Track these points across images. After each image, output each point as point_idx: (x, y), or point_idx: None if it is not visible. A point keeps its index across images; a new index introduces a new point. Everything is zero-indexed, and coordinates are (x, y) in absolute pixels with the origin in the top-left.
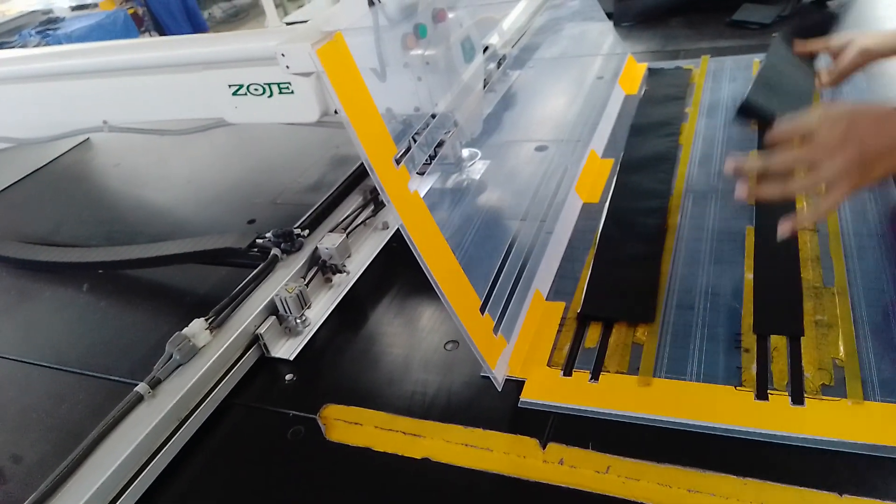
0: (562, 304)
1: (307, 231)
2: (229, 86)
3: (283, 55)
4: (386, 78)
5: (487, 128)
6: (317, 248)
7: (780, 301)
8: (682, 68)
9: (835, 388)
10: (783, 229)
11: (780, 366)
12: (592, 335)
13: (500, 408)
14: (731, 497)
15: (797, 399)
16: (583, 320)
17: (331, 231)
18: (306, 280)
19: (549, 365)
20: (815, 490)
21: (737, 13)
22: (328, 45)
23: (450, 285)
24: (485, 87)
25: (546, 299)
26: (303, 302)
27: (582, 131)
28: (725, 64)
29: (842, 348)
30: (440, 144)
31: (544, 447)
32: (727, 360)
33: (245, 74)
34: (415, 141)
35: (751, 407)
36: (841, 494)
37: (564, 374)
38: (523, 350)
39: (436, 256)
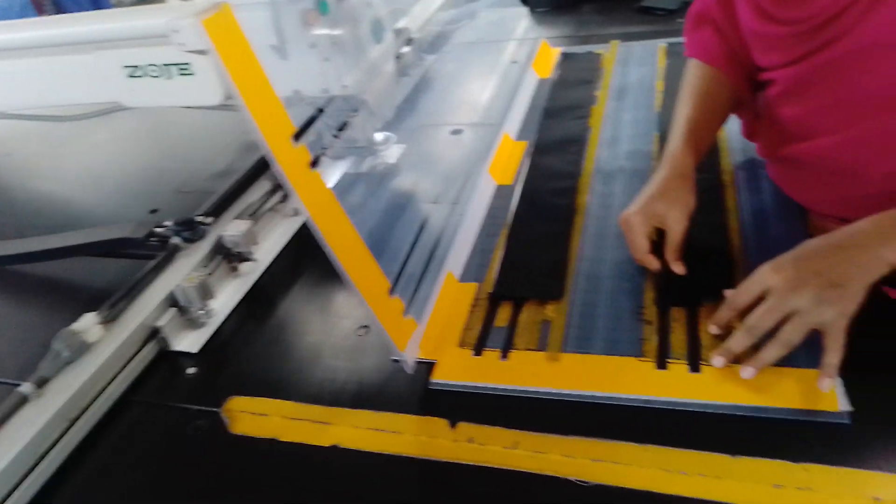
0: (474, 286)
1: (211, 219)
2: (124, 67)
3: (175, 32)
4: (287, 56)
5: (403, 112)
6: (221, 236)
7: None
8: (594, 53)
9: None
10: (745, 374)
11: (679, 336)
12: (503, 314)
13: (410, 390)
14: (631, 464)
15: (694, 367)
16: (494, 300)
17: (236, 218)
18: (209, 270)
19: (460, 346)
20: (709, 452)
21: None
22: (215, 17)
23: (356, 268)
24: (400, 71)
25: (459, 281)
26: (206, 292)
27: (496, 115)
28: (634, 49)
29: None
30: (351, 127)
31: (454, 426)
32: (631, 332)
33: (141, 55)
34: (327, 126)
35: (652, 376)
36: (733, 455)
37: (475, 354)
38: (435, 332)
39: (340, 238)
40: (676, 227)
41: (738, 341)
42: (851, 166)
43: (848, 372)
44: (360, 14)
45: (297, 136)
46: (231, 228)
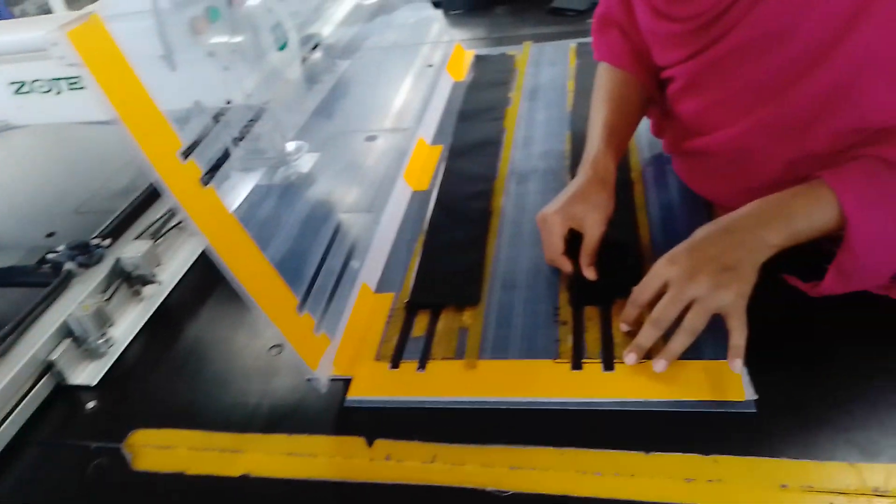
0: (391, 296)
1: (108, 240)
2: (10, 84)
3: (54, 45)
4: (176, 66)
5: (317, 119)
6: (119, 258)
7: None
8: (507, 54)
9: None
10: (658, 367)
11: (593, 335)
12: (420, 324)
13: (326, 410)
14: (549, 468)
15: (608, 365)
16: (411, 309)
17: (137, 238)
18: (107, 295)
19: (376, 359)
20: (624, 451)
21: (555, 1)
22: (81, 28)
23: (259, 287)
24: (312, 77)
25: (375, 291)
26: (103, 320)
27: (411, 119)
28: (546, 49)
29: (646, 312)
30: (259, 138)
31: (371, 444)
32: (546, 334)
33: (25, 70)
34: (231, 138)
35: (568, 378)
36: (647, 452)
37: (392, 367)
38: (350, 346)
39: (240, 257)
40: (593, 232)
41: (646, 336)
42: (749, 157)
43: (752, 360)
44: (261, 20)
45: (187, 152)
46: (130, 250)
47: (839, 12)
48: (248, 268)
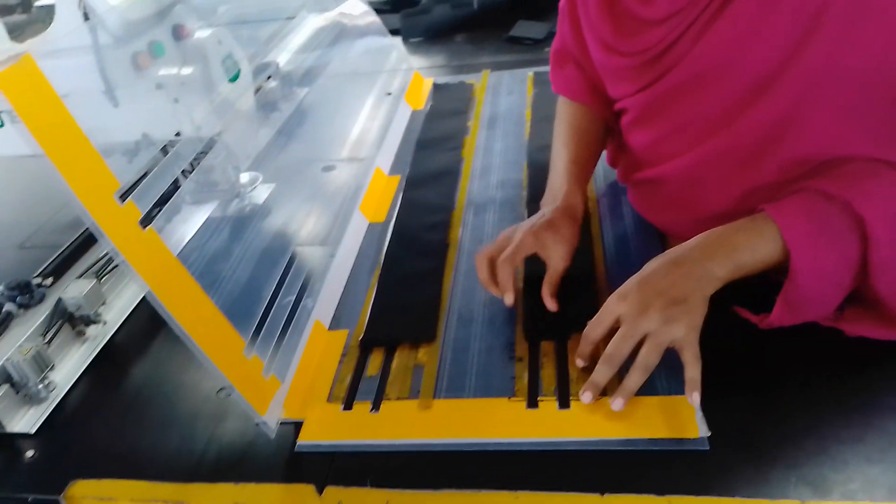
0: (345, 333)
1: (50, 279)
2: None
3: None
4: (118, 102)
5: (273, 149)
6: (61, 298)
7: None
8: (465, 83)
9: None
10: (615, 406)
11: (549, 371)
12: (375, 362)
13: (276, 456)
14: None
15: (564, 402)
16: (365, 347)
17: (80, 277)
18: (48, 337)
19: (329, 400)
20: (580, 494)
21: (513, 29)
22: (12, 70)
23: (202, 330)
24: (268, 106)
25: (328, 329)
26: (43, 363)
27: (369, 149)
28: (504, 78)
29: (601, 347)
30: (210, 170)
31: (321, 492)
32: (502, 371)
33: None
34: (181, 171)
35: (523, 417)
36: (602, 494)
37: (345, 408)
38: (301, 388)
39: (182, 301)
40: (558, 265)
41: (601, 374)
42: (700, 187)
43: (704, 395)
44: (211, 52)
45: (125, 193)
46: (73, 289)
47: (779, 46)
48: (192, 312)
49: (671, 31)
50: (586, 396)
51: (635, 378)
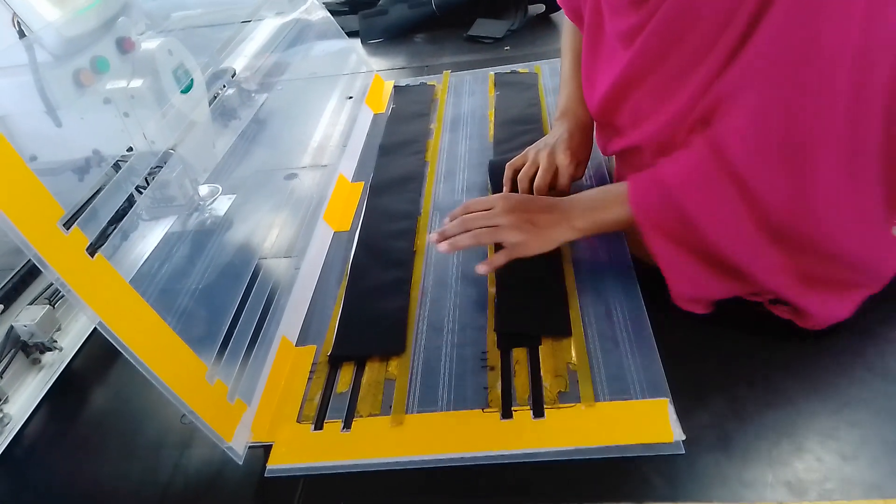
0: (313, 348)
1: (1, 306)
2: None
3: None
4: (61, 123)
5: (233, 159)
6: (13, 326)
7: (519, 312)
8: (427, 84)
9: (570, 394)
10: (481, 269)
11: (522, 379)
12: (345, 377)
13: (245, 481)
14: None
15: (538, 412)
16: (334, 363)
17: (32, 303)
18: (1, 368)
19: (299, 420)
20: None
21: (472, 28)
22: None
23: (160, 359)
24: (227, 114)
25: (295, 345)
26: None
27: (331, 155)
28: (465, 78)
29: (574, 353)
30: (167, 185)
31: None
32: (475, 380)
33: None
34: (136, 186)
35: (497, 428)
36: (581, 503)
37: (315, 429)
38: (269, 409)
39: (136, 330)
40: (566, 173)
41: (452, 227)
42: (671, 151)
43: (677, 398)
44: (161, 63)
45: (70, 220)
46: (25, 316)
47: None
48: (148, 340)
49: None
50: (433, 237)
51: (464, 239)
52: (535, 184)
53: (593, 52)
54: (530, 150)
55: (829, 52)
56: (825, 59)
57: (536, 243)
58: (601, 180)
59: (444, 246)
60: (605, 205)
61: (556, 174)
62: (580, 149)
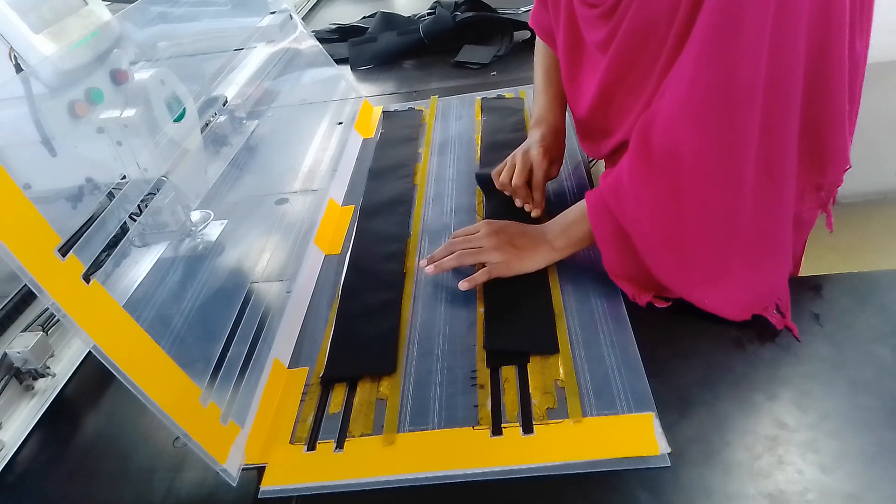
0: (305, 370)
1: None
2: None
3: None
4: (56, 153)
5: (224, 184)
6: (6, 353)
7: (507, 331)
8: (415, 109)
9: (558, 410)
10: (463, 286)
11: (511, 396)
12: (337, 399)
13: (239, 503)
14: None
15: (527, 428)
16: (326, 384)
17: (25, 330)
18: None
19: (292, 442)
20: None
21: (459, 55)
22: None
23: (154, 382)
24: (218, 141)
25: (288, 367)
26: None
27: (322, 180)
28: (452, 103)
29: (561, 369)
30: (159, 212)
31: None
32: (465, 399)
33: None
34: (128, 214)
35: (487, 445)
36: None
37: (308, 449)
38: (262, 431)
39: (131, 354)
40: (541, 173)
41: (439, 251)
42: None
43: (666, 414)
44: (153, 94)
45: (66, 247)
46: (18, 343)
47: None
48: (142, 364)
49: None
50: (423, 262)
51: (449, 261)
52: (512, 182)
53: (575, 62)
54: (509, 157)
55: (749, 48)
56: (746, 51)
57: (516, 263)
58: (580, 180)
59: (430, 269)
60: (575, 221)
61: (532, 173)
62: (553, 147)
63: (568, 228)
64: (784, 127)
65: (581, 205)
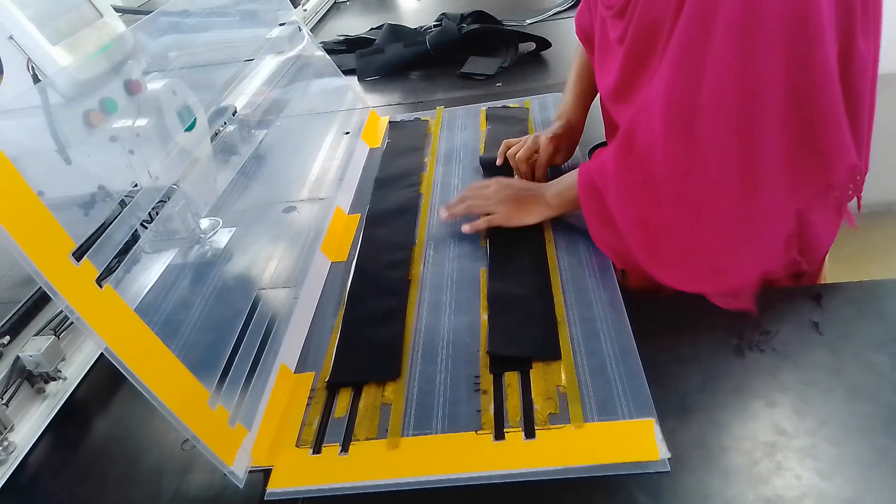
0: (311, 375)
1: (7, 338)
2: None
3: None
4: (71, 161)
5: (233, 192)
6: (19, 357)
7: (510, 337)
8: (421, 120)
9: (560, 416)
10: (465, 229)
11: (513, 402)
12: (342, 403)
13: None
14: None
15: (529, 433)
16: (332, 388)
17: (38, 334)
18: (6, 398)
19: (298, 445)
20: None
21: (464, 66)
22: None
23: (165, 385)
24: (227, 150)
25: (294, 372)
26: (2, 426)
27: (329, 189)
28: (457, 113)
29: (563, 375)
30: (169, 219)
31: None
32: (468, 404)
33: None
34: (139, 221)
35: (490, 449)
36: None
37: (314, 452)
38: (269, 434)
39: (142, 357)
40: (543, 155)
41: (454, 203)
42: None
43: (666, 420)
44: (165, 104)
45: (80, 252)
46: (31, 347)
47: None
48: (152, 367)
49: None
50: (442, 212)
51: (459, 207)
52: (517, 155)
53: (603, 58)
54: (523, 137)
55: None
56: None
57: (516, 216)
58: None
59: (443, 213)
60: (570, 186)
61: (538, 155)
62: (563, 137)
63: (563, 191)
64: (762, 125)
65: (575, 172)
